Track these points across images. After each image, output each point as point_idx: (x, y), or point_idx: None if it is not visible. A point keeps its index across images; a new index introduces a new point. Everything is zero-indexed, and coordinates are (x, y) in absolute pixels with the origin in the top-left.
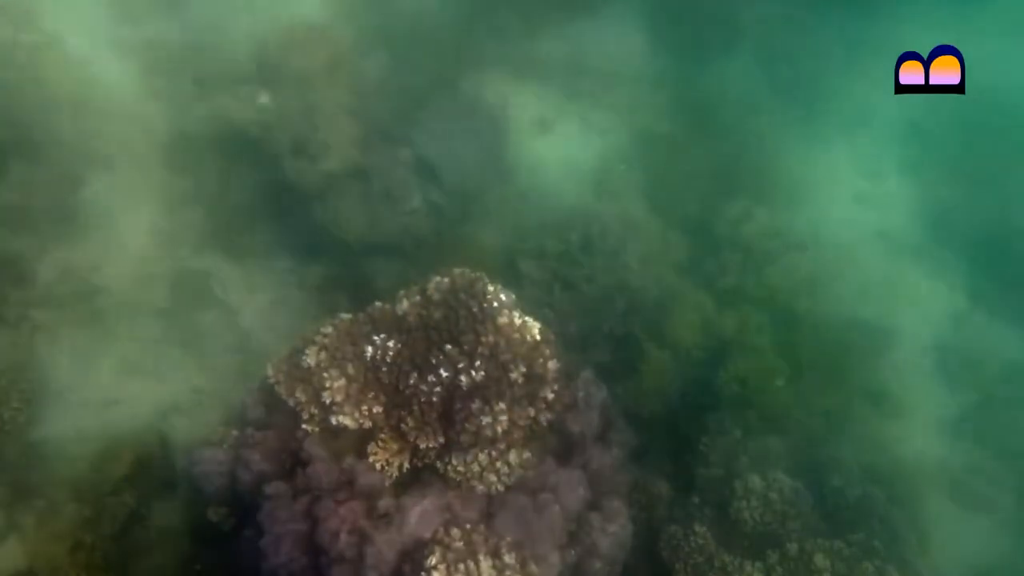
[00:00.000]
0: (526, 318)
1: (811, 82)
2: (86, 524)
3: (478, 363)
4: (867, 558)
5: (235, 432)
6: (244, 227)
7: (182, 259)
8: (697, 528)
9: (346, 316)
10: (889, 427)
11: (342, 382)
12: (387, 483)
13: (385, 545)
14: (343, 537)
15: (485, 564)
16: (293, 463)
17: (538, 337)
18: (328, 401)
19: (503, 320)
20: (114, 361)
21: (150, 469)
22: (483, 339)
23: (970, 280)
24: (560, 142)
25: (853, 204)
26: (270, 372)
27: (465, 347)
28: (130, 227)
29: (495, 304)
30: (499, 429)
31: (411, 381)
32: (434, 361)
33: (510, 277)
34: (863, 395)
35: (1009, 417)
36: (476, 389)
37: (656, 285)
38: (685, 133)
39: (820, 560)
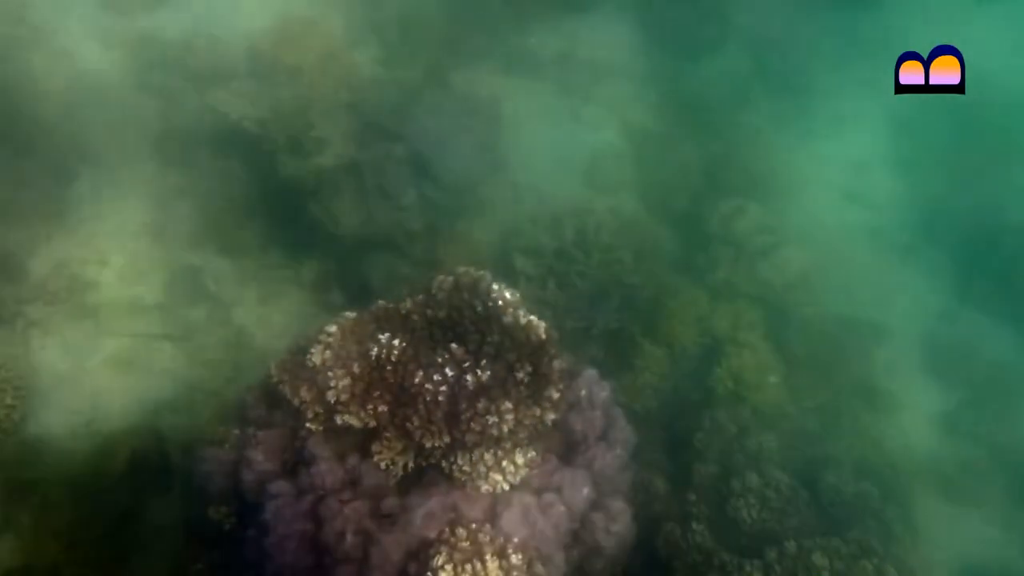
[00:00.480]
0: (531, 317)
1: (804, 78)
2: (83, 521)
3: (484, 362)
4: (866, 556)
5: (236, 431)
6: (238, 222)
7: (175, 254)
8: (695, 526)
9: (350, 315)
10: (882, 423)
11: (347, 381)
12: (392, 483)
13: (390, 545)
14: (348, 537)
15: (492, 564)
16: (296, 462)
17: (543, 336)
18: (333, 400)
19: (508, 319)
20: (108, 357)
21: (146, 466)
22: (488, 338)
23: (961, 277)
24: (553, 137)
25: (845, 200)
26: (273, 371)
27: (470, 346)
28: (123, 222)
29: (500, 303)
30: (505, 428)
31: (416, 380)
32: (439, 360)
33: (506, 273)
34: (856, 391)
35: (1001, 413)
36: (482, 388)
37: (650, 281)
38: (678, 128)
39: (819, 558)
